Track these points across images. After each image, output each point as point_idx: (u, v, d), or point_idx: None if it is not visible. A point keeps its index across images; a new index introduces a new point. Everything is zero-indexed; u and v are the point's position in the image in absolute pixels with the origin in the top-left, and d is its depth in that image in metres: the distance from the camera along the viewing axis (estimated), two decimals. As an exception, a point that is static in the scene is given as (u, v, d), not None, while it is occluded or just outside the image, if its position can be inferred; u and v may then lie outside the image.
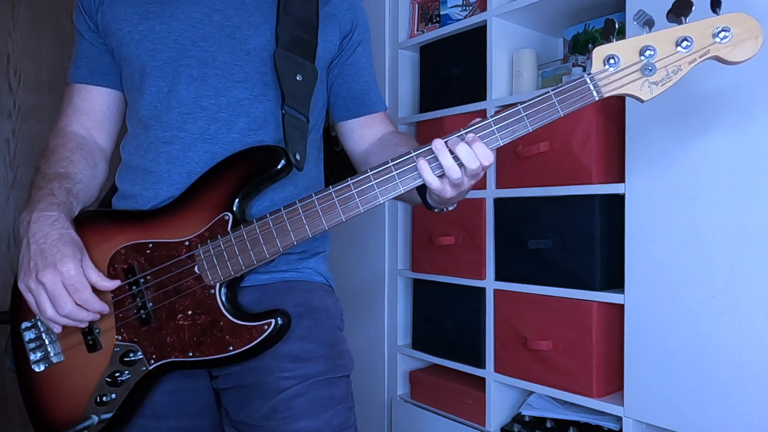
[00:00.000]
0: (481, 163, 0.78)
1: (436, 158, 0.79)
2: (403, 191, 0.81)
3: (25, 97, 2.09)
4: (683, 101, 1.20)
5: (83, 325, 0.85)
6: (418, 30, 1.94)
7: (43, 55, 2.12)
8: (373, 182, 0.80)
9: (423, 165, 0.79)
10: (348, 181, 0.81)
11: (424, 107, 1.87)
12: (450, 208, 0.91)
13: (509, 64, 1.68)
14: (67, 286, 0.80)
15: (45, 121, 2.05)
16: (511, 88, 1.68)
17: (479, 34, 1.68)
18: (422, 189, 0.87)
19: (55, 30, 2.13)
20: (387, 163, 0.80)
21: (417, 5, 1.94)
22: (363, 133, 1.05)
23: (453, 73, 1.76)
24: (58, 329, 0.85)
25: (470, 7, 1.77)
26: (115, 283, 0.85)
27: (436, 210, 0.91)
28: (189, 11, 0.91)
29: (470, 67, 1.71)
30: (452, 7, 1.81)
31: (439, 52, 1.82)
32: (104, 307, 0.84)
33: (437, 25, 1.86)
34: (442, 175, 0.79)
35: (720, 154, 1.16)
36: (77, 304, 0.82)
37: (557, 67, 1.64)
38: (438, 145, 0.78)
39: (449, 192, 0.81)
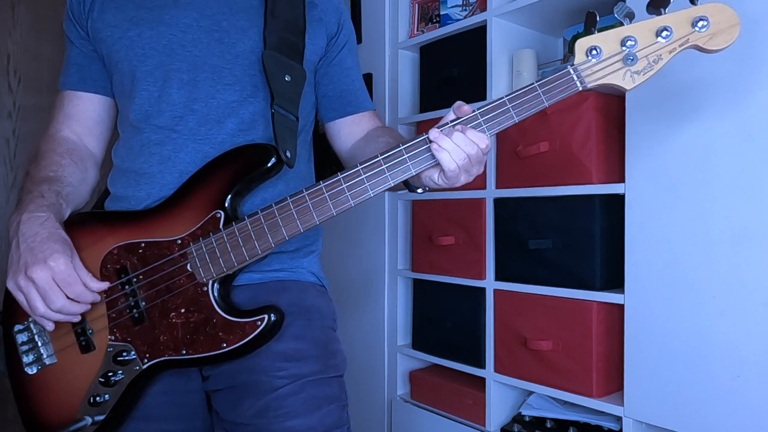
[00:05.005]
0: (478, 146, 0.78)
1: (432, 147, 0.79)
2: (393, 184, 0.81)
3: (25, 97, 2.09)
4: (684, 101, 1.20)
5: (76, 319, 0.85)
6: (418, 30, 1.94)
7: (43, 55, 2.12)
8: (363, 176, 0.81)
9: (438, 148, 0.78)
10: (338, 175, 0.82)
11: (424, 107, 1.87)
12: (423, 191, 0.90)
13: (509, 64, 1.68)
14: (59, 281, 0.80)
15: (45, 121, 2.03)
16: (511, 88, 1.68)
17: (479, 34, 1.68)
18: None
19: (55, 30, 2.13)
20: (376, 156, 0.81)
21: (417, 5, 1.94)
22: (350, 131, 1.06)
23: (453, 73, 1.76)
24: (50, 326, 0.84)
25: (470, 7, 1.77)
26: (104, 285, 0.85)
27: (418, 191, 0.89)
28: (178, 17, 0.92)
29: (470, 67, 1.71)
30: (452, 7, 1.81)
31: (439, 52, 1.82)
32: (96, 297, 0.85)
33: (437, 25, 1.86)
34: (435, 164, 0.80)
35: (720, 154, 1.16)
36: (70, 298, 0.82)
37: (557, 67, 1.64)
38: (434, 134, 0.79)
39: (463, 178, 0.81)
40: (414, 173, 0.81)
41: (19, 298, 0.82)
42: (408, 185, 0.89)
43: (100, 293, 0.86)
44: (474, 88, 1.69)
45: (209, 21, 0.92)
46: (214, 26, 0.92)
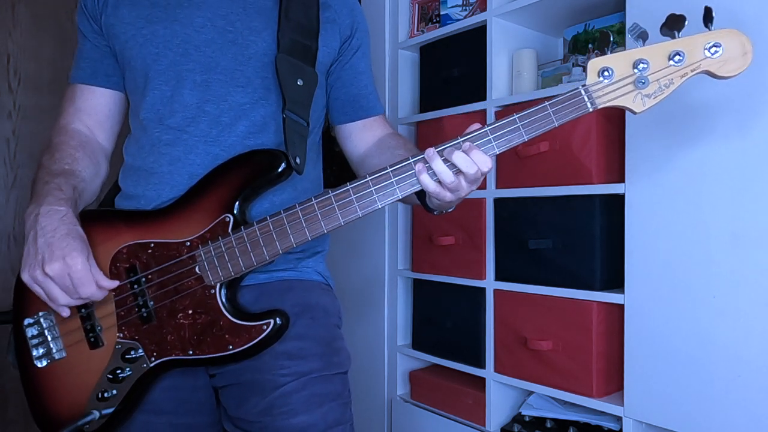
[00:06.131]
0: (479, 168, 0.79)
1: (416, 169, 0.80)
2: (401, 197, 0.82)
3: (25, 97, 2.09)
4: (684, 102, 1.21)
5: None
6: (418, 30, 1.94)
7: (43, 55, 2.11)
8: (372, 188, 0.82)
9: (421, 170, 0.80)
10: (347, 186, 0.82)
11: (424, 107, 1.87)
12: (449, 210, 0.92)
13: (509, 64, 1.68)
14: (74, 279, 0.81)
15: (45, 121, 2.04)
16: (511, 88, 1.68)
17: (479, 34, 1.68)
18: (421, 192, 0.88)
19: (55, 30, 2.13)
20: (385, 168, 0.82)
21: (417, 5, 1.94)
22: (361, 137, 1.06)
23: (453, 73, 1.76)
24: (66, 313, 0.85)
25: (470, 7, 1.77)
26: (114, 283, 0.86)
27: (435, 212, 0.92)
28: (192, 16, 0.91)
29: (470, 67, 1.71)
30: (452, 7, 1.81)
31: (439, 52, 1.82)
32: (103, 294, 0.86)
33: (437, 25, 1.86)
34: (439, 180, 0.80)
35: (720, 154, 1.16)
36: (81, 297, 0.83)
37: (557, 67, 1.65)
38: (430, 153, 0.80)
39: (448, 196, 0.82)
40: (420, 187, 0.81)
41: (35, 289, 0.83)
42: (426, 207, 0.90)
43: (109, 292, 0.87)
44: (474, 88, 1.69)
45: (223, 21, 0.92)
46: (228, 27, 0.92)
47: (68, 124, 0.98)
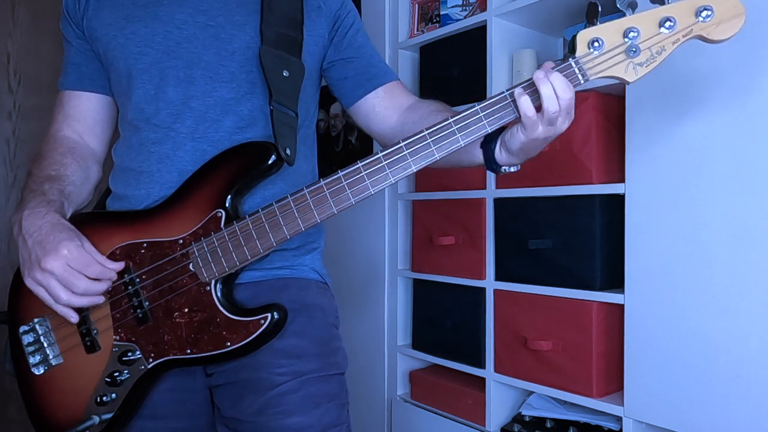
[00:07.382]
0: (567, 91, 0.76)
1: (502, 108, 0.77)
2: (393, 181, 0.81)
3: (25, 97, 2.09)
4: (684, 100, 1.20)
5: (101, 300, 0.85)
6: (418, 30, 1.94)
7: (43, 55, 2.12)
8: (363, 173, 0.81)
9: (521, 93, 0.76)
10: (338, 173, 0.82)
11: (424, 107, 1.87)
12: (513, 169, 0.87)
13: (509, 64, 1.68)
14: (76, 265, 0.81)
15: (45, 121, 2.02)
16: (511, 89, 1.67)
17: (479, 34, 1.68)
18: (487, 146, 0.85)
19: (55, 30, 2.11)
20: (377, 153, 0.81)
21: (417, 5, 1.94)
22: (387, 105, 0.99)
23: (453, 73, 1.76)
24: (75, 319, 0.84)
25: (470, 7, 1.77)
26: (120, 265, 0.86)
27: (503, 170, 0.87)
28: (173, 13, 0.91)
29: (470, 67, 1.71)
30: (452, 7, 1.81)
31: (439, 52, 1.82)
32: (113, 274, 0.85)
33: (437, 25, 1.86)
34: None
35: (720, 155, 1.16)
36: (90, 278, 0.82)
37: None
38: (539, 75, 0.76)
39: (540, 130, 0.78)
40: (415, 170, 0.80)
41: (39, 292, 0.82)
42: (491, 163, 0.86)
43: (104, 294, 0.86)
44: (474, 88, 1.69)
45: (204, 17, 0.91)
46: (210, 22, 0.91)
47: (57, 131, 0.98)
